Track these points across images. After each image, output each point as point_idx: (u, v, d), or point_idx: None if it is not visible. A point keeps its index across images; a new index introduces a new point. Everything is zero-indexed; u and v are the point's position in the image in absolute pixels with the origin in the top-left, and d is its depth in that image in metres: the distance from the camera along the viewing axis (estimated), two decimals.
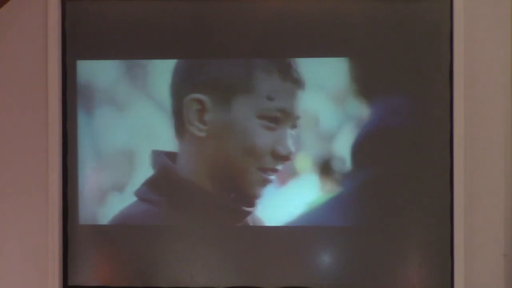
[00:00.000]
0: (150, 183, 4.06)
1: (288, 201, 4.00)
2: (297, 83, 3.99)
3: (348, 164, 3.97)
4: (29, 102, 4.08)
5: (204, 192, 4.02)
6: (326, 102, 3.98)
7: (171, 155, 4.05)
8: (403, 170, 3.97)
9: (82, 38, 4.09)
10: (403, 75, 3.98)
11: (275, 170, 4.00)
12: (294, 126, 4.00)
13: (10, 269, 4.10)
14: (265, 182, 4.00)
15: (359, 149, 3.97)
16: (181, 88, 4.04)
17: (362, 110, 3.97)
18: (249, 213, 4.02)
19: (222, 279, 4.05)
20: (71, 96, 4.09)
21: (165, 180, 4.06)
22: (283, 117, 4.00)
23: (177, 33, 4.05)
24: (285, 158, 4.00)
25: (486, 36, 3.95)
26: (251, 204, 4.01)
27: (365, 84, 3.98)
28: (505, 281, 3.93)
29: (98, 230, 4.09)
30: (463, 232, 3.92)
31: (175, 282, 4.07)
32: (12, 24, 4.09)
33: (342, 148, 3.98)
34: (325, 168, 3.99)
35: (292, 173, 4.01)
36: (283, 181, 4.01)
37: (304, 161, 4.00)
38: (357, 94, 3.97)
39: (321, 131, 3.99)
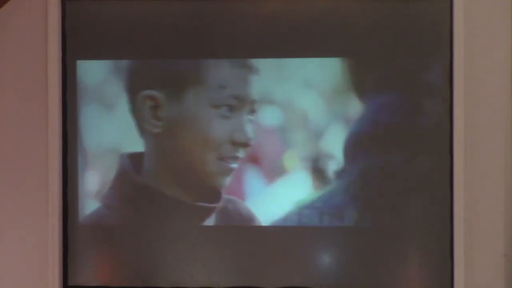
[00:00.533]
0: (111, 187, 4.05)
1: (279, 200, 3.99)
2: (247, 67, 3.97)
3: (342, 163, 3.97)
4: (29, 102, 4.08)
5: (162, 193, 3.99)
6: (324, 101, 3.98)
7: (138, 156, 4.03)
8: (404, 171, 3.97)
9: (82, 38, 4.09)
10: (404, 75, 3.97)
11: (235, 158, 3.96)
12: (252, 111, 3.97)
13: (10, 269, 4.09)
14: (227, 171, 3.97)
15: (358, 147, 3.97)
16: (134, 85, 4.02)
17: (361, 110, 3.96)
18: (214, 208, 3.99)
19: (222, 279, 4.05)
20: (71, 96, 4.09)
21: (122, 184, 4.04)
22: (238, 104, 3.96)
23: (177, 33, 4.05)
24: (244, 144, 3.96)
25: (486, 36, 3.95)
26: (217, 199, 3.99)
27: (365, 84, 3.98)
28: (505, 281, 3.93)
29: (98, 230, 4.09)
30: (463, 232, 3.92)
31: (175, 282, 4.07)
32: (12, 24, 4.09)
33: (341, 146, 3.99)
34: (317, 166, 3.98)
35: (282, 171, 3.99)
36: (272, 179, 3.99)
37: (293, 159, 3.98)
38: (357, 94, 3.97)
39: (315, 129, 3.99)
